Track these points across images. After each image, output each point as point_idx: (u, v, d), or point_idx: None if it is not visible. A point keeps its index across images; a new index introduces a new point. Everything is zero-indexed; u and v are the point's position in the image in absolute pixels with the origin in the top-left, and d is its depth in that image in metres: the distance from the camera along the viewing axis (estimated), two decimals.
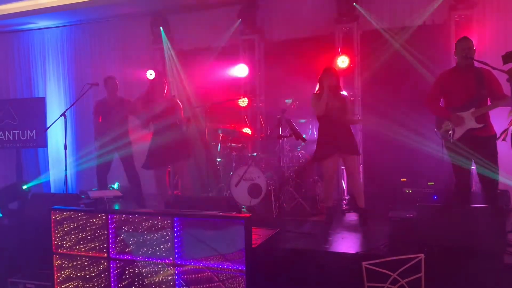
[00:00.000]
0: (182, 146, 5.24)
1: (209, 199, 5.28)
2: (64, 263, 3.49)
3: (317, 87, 4.75)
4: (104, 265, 3.36)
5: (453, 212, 3.35)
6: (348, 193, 6.10)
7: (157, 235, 3.19)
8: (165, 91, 5.25)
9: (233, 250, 3.01)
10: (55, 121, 5.68)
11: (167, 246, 3.16)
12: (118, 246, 3.33)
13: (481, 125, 3.93)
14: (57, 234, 3.49)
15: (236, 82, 6.98)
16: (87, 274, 3.41)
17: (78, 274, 3.43)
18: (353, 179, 4.71)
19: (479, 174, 4.07)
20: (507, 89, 3.88)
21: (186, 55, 7.26)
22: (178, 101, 5.37)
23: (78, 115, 7.82)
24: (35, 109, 7.52)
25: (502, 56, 1.92)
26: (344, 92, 4.82)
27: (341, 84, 4.85)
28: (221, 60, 6.95)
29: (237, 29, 6.92)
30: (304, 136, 5.22)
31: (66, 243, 3.47)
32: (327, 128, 4.70)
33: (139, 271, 3.26)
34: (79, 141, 7.82)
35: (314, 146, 5.99)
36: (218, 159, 6.24)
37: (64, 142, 5.53)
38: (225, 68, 6.98)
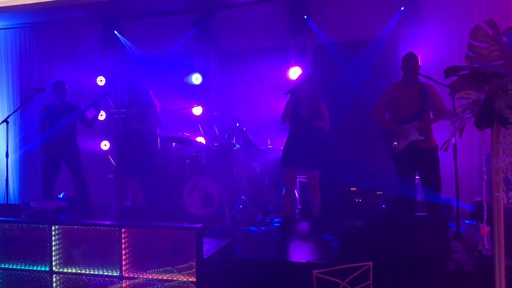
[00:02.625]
0: (144, 160, 5.08)
1: (161, 209, 5.15)
2: (1, 278, 3.28)
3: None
4: (47, 279, 3.20)
5: (399, 220, 3.46)
6: (300, 203, 6.16)
7: (104, 247, 3.08)
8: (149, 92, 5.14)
9: (184, 261, 2.95)
10: None
11: (114, 258, 3.05)
12: (61, 259, 3.18)
13: (423, 137, 4.12)
14: None
15: (190, 90, 6.92)
16: None
17: None
18: (313, 190, 4.72)
19: (422, 184, 4.25)
20: (449, 103, 4.10)
21: (140, 61, 7.12)
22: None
23: (22, 121, 7.45)
24: None
25: (444, 71, 2.00)
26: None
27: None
28: (176, 68, 6.87)
29: (193, 38, 6.88)
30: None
31: (4, 257, 3.27)
32: (291, 138, 4.71)
33: (85, 284, 3.13)
34: (22, 149, 7.44)
35: (268, 157, 6.05)
36: (171, 168, 6.12)
37: (6, 150, 5.26)
38: (179, 75, 6.90)
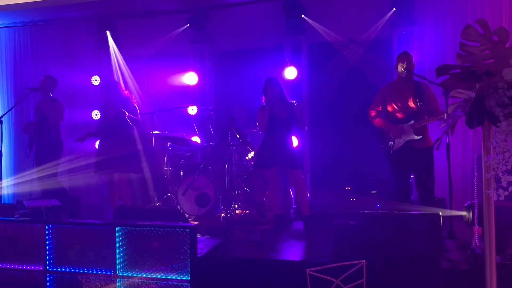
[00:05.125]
0: (133, 157, 5.05)
1: (155, 209, 5.15)
2: None
3: (263, 99, 4.81)
4: (41, 279, 3.19)
5: (393, 219, 3.47)
6: (295, 202, 6.18)
7: (98, 246, 3.07)
8: (122, 92, 5.12)
9: (178, 260, 2.96)
10: None
11: (108, 257, 3.05)
12: (56, 258, 3.18)
13: (419, 137, 4.14)
14: None
15: (185, 90, 6.91)
16: None
17: None
18: (298, 189, 4.78)
19: (416, 183, 4.27)
20: (443, 103, 4.12)
21: (134, 61, 7.11)
22: (135, 104, 5.20)
23: (16, 121, 7.42)
24: None
25: (436, 69, 2.02)
26: (294, 101, 4.90)
27: (288, 94, 4.93)
28: (171, 67, 6.87)
29: (188, 37, 6.89)
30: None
31: None
32: (270, 138, 4.75)
33: (79, 284, 3.12)
34: (16, 149, 7.41)
35: None
36: (166, 168, 6.12)
37: None
38: (175, 75, 6.90)
